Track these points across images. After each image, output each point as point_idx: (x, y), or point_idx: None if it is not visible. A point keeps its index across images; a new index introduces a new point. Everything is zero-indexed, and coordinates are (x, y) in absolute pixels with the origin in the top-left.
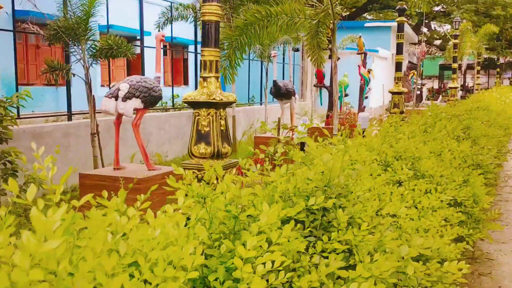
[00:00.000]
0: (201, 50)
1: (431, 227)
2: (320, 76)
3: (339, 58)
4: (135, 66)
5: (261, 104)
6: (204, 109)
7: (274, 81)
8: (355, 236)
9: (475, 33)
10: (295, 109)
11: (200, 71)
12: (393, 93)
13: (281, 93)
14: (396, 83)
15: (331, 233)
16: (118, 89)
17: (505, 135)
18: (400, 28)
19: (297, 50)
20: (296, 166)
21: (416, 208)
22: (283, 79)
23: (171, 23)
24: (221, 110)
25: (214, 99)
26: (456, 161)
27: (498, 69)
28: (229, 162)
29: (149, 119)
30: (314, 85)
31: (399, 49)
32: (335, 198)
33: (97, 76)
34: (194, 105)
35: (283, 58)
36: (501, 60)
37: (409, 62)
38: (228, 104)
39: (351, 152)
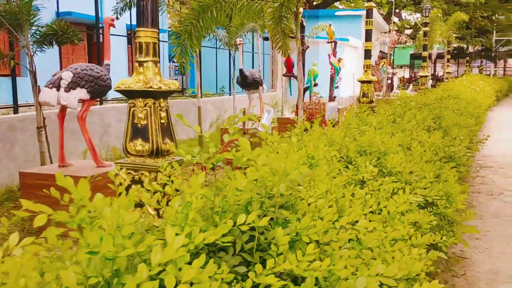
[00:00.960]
0: (136, 31)
1: (398, 236)
2: (289, 65)
3: (308, 47)
4: (97, 54)
5: (230, 95)
6: (140, 99)
7: (241, 70)
8: (299, 263)
9: (445, 22)
10: (265, 99)
11: (136, 55)
12: (362, 82)
13: (248, 83)
14: (365, 71)
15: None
16: (60, 78)
17: (476, 124)
18: (369, 14)
19: (267, 39)
20: (227, 171)
21: (382, 212)
22: (253, 68)
23: (130, 9)
24: (161, 100)
25: (151, 87)
26: (427, 155)
27: (467, 58)
28: (172, 161)
29: (108, 110)
30: (283, 75)
31: (368, 36)
32: (279, 208)
33: (56, 66)
34: (128, 94)
35: (252, 47)
36: (470, 49)
37: (380, 51)
38: (169, 93)
39: (309, 147)
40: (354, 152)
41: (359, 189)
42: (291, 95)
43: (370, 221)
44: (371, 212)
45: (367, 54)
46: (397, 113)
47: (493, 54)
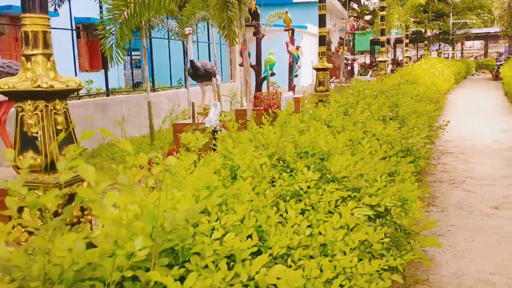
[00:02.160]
0: (21, 17)
1: (338, 269)
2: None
3: (263, 35)
4: None
5: (186, 87)
6: (29, 101)
7: (191, 61)
8: None
9: (402, 6)
10: (223, 91)
11: (22, 48)
12: (317, 69)
13: (200, 74)
14: (320, 58)
15: None
16: None
17: (436, 109)
18: None
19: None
20: (67, 212)
21: (320, 235)
22: (209, 59)
23: (69, 1)
24: (57, 101)
25: (39, 86)
26: (381, 150)
27: (426, 42)
28: (73, 177)
29: None
30: (239, 65)
31: (322, 22)
32: (163, 256)
33: None
34: (15, 96)
35: (208, 37)
36: (429, 33)
37: (341, 38)
38: (67, 92)
39: (235, 154)
40: (293, 155)
41: (294, 204)
42: None
43: (304, 247)
44: (309, 236)
45: (322, 40)
46: (349, 103)
47: (450, 37)
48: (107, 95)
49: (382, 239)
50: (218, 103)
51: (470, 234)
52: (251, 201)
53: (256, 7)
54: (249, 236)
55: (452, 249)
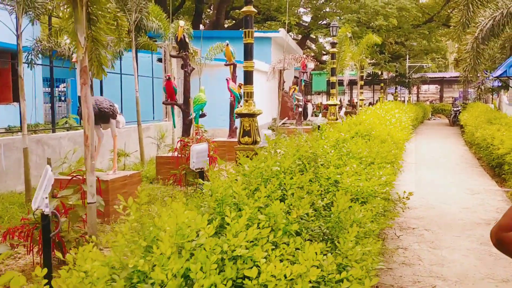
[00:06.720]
0: None
1: None
2: (169, 90)
3: (193, 69)
4: None
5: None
6: None
7: (80, 98)
8: None
9: (357, 45)
10: (152, 131)
11: None
12: (241, 115)
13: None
14: (246, 101)
15: None
16: None
17: (392, 173)
18: (248, 22)
19: (161, 60)
20: None
21: None
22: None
23: None
24: None
25: None
26: None
27: (382, 84)
28: None
29: None
30: (163, 103)
31: (248, 54)
32: None
33: None
34: None
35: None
36: (385, 76)
37: (295, 77)
38: None
39: None
40: None
41: None
42: (174, 126)
43: None
44: None
45: (248, 78)
46: (239, 194)
47: (407, 81)
48: None
49: None
50: (49, 168)
51: None
52: None
53: (183, 36)
54: None
55: None
